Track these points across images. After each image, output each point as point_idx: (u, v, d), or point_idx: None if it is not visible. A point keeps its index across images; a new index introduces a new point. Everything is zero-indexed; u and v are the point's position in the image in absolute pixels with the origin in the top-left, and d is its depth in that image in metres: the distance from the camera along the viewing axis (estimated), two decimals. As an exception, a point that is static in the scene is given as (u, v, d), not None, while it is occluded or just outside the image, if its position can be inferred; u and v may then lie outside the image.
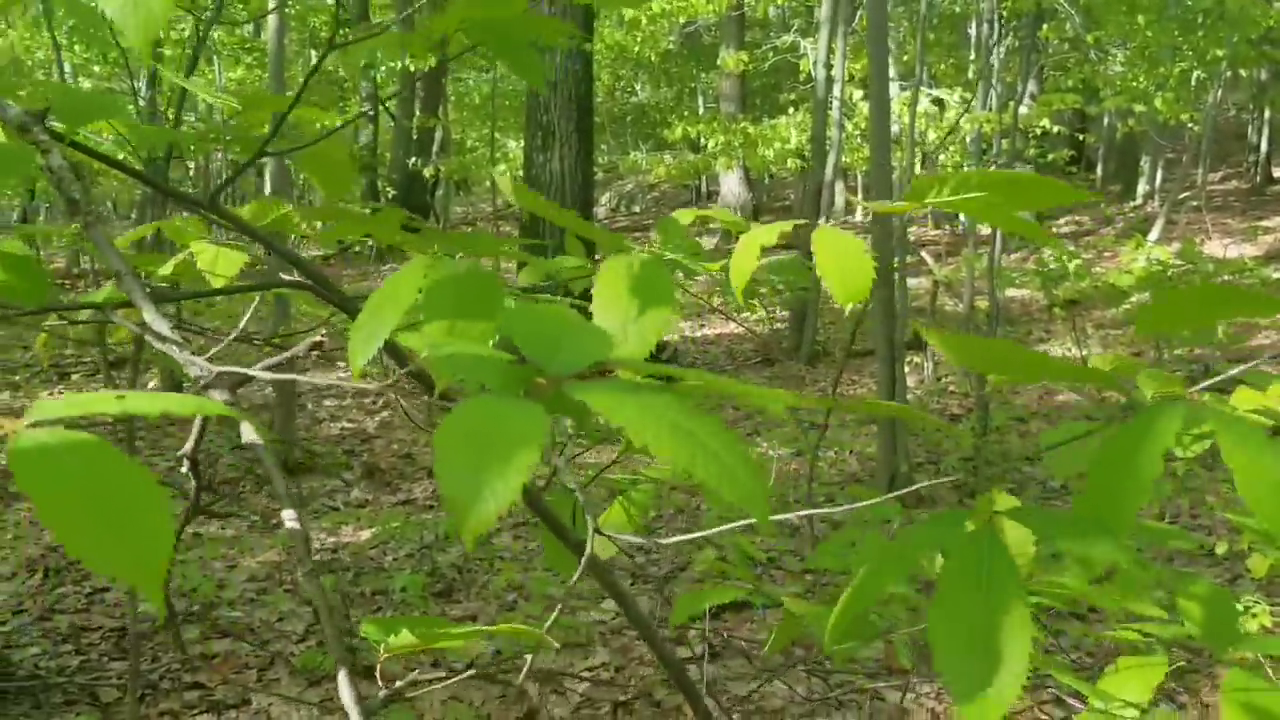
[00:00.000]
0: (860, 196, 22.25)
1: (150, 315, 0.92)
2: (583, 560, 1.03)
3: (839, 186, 21.09)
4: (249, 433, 0.90)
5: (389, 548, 5.76)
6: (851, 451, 7.62)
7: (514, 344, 0.84)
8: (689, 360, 11.12)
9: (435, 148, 19.37)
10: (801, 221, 1.15)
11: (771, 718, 3.80)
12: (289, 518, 0.90)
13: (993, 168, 7.91)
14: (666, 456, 0.66)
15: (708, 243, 19.36)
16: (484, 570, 5.42)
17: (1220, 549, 4.64)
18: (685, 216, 1.17)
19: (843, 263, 0.95)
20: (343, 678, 0.87)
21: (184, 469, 0.95)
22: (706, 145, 14.30)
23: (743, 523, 1.41)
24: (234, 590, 5.24)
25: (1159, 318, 0.96)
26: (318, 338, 0.86)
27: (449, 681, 1.06)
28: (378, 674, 0.95)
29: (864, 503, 1.26)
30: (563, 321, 0.86)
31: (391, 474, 7.23)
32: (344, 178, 1.18)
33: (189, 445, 0.94)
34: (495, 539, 5.90)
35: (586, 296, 1.03)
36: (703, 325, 12.94)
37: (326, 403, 9.51)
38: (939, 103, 12.19)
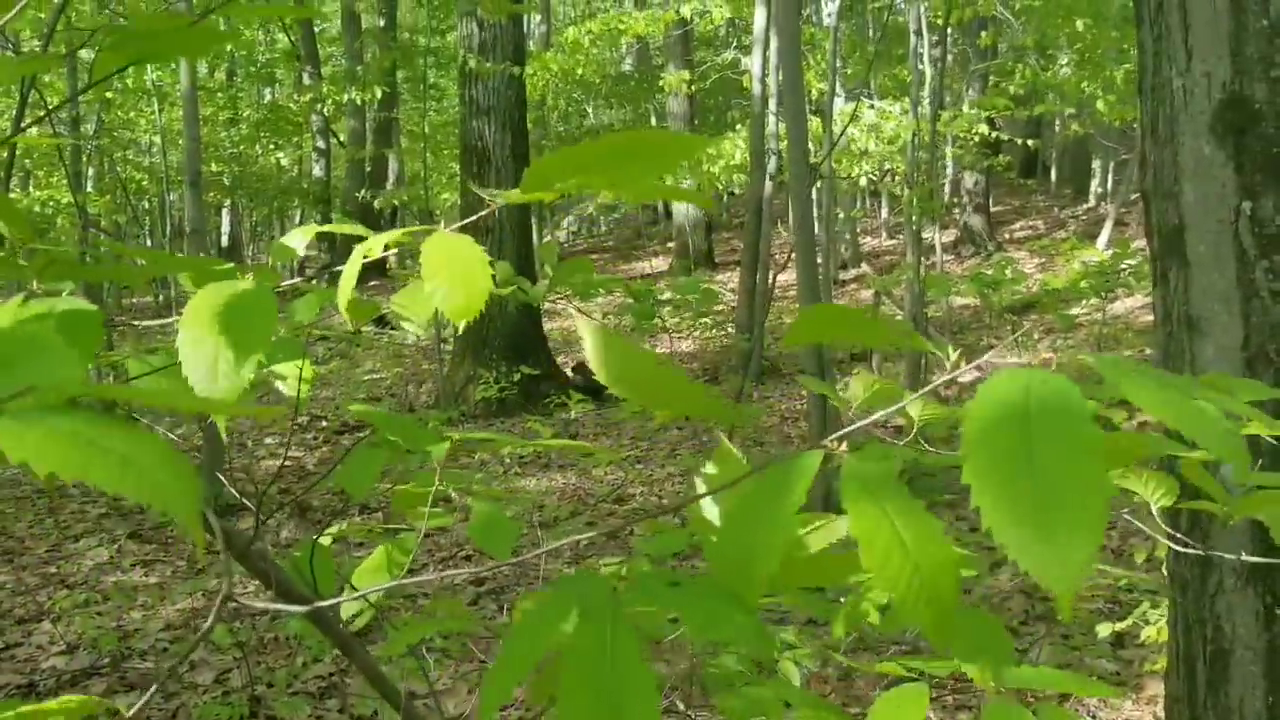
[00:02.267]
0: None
1: None
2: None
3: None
4: None
5: (310, 589, 5.62)
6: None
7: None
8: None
9: (392, 179, 19.27)
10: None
11: None
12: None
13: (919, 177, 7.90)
14: (52, 467, 0.56)
15: (660, 263, 19.30)
16: (407, 607, 5.30)
17: (1140, 557, 4.56)
18: (304, 234, 1.07)
19: (453, 273, 0.85)
20: None
21: None
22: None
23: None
24: (146, 640, 5.10)
25: (800, 332, 0.88)
26: None
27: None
28: None
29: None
30: (30, 342, 0.75)
31: (324, 511, 7.10)
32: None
33: None
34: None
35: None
36: (655, 344, 12.85)
37: (268, 440, 9.38)
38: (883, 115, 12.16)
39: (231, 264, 1.01)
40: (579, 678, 0.73)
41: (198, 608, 5.47)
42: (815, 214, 6.77)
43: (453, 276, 0.87)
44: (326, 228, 1.05)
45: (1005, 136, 11.32)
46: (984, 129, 9.99)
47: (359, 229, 0.99)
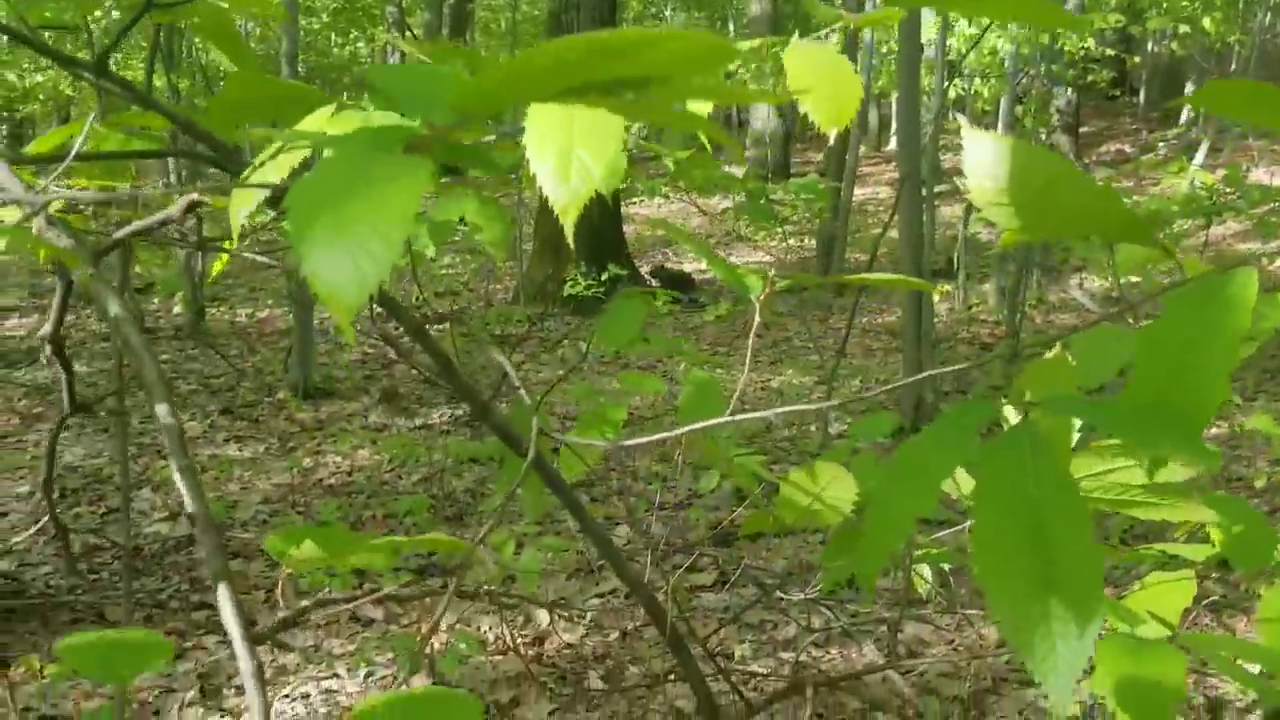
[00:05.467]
0: (894, 122, 21.78)
1: (4, 176, 0.79)
2: (524, 466, 0.90)
3: (872, 112, 20.70)
4: (115, 307, 0.77)
5: (404, 471, 5.68)
6: (877, 380, 7.46)
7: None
8: (714, 290, 10.95)
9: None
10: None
11: (784, 646, 3.70)
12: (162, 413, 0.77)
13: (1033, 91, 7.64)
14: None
15: (738, 172, 19.05)
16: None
17: (1259, 482, 4.48)
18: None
19: (823, 80, 0.79)
20: (224, 593, 0.75)
21: (45, 355, 0.83)
22: (736, 72, 13.97)
23: (757, 415, 1.27)
24: (247, 512, 5.18)
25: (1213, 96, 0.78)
26: (193, 195, 0.73)
27: (359, 602, 0.95)
28: (279, 593, 0.83)
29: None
30: (446, 77, 0.71)
31: (409, 399, 7.15)
32: (244, 53, 1.05)
33: (49, 326, 0.81)
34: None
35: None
36: (730, 254, 12.74)
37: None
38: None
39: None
40: (995, 502, 0.68)
41: (294, 483, 5.55)
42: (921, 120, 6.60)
43: (820, 84, 0.81)
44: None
45: (1105, 51, 10.96)
46: (1090, 43, 9.68)
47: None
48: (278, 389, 7.42)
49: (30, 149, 1.09)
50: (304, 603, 0.84)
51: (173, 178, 9.72)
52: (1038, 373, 1.11)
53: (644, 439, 1.01)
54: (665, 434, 1.03)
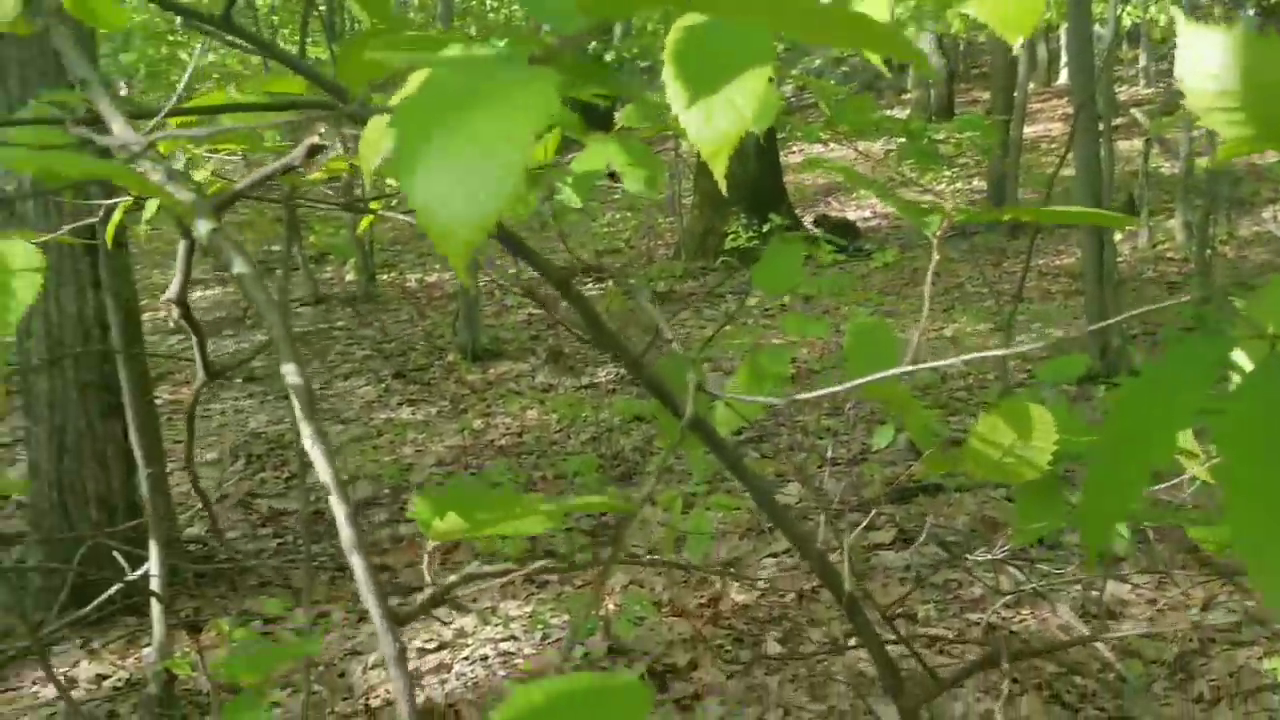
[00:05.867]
0: (1063, 54, 20.82)
1: (120, 127, 0.74)
2: (682, 422, 0.81)
3: (1040, 48, 19.81)
4: (240, 264, 0.71)
5: (572, 431, 5.69)
6: (1057, 324, 7.12)
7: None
8: (880, 238, 10.65)
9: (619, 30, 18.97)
10: None
11: (970, 608, 3.55)
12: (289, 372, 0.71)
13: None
14: None
15: (900, 114, 18.49)
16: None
17: None
18: None
19: None
20: (360, 568, 0.68)
21: (173, 317, 0.78)
22: (894, 12, 13.49)
23: (909, 369, 1.16)
24: (421, 474, 5.26)
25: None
26: (314, 140, 0.66)
27: (510, 576, 0.88)
28: (425, 565, 0.77)
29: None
30: None
31: (575, 358, 7.16)
32: (388, 14, 0.97)
33: (174, 288, 0.75)
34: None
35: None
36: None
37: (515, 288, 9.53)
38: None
39: None
40: (1251, 443, 0.56)
41: (466, 445, 5.61)
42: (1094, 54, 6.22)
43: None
44: None
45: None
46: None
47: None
48: (447, 352, 7.54)
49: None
50: (451, 577, 0.77)
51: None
52: (1269, 301, 0.96)
53: (814, 393, 0.91)
54: (836, 388, 0.93)
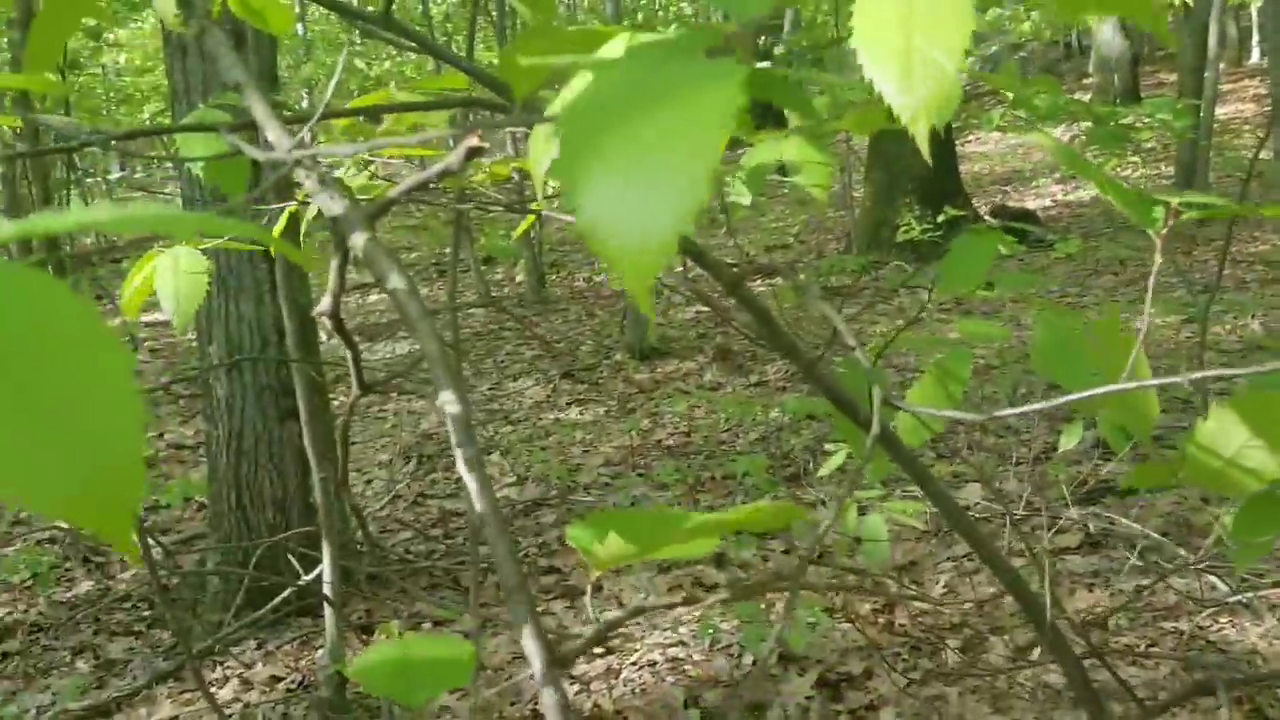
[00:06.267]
0: (1255, 35, 19.70)
1: (275, 134, 0.71)
2: (869, 439, 0.74)
3: (1230, 26, 18.75)
4: (395, 278, 0.67)
5: (741, 430, 5.61)
6: (1254, 315, 6.69)
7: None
8: (1062, 227, 10.22)
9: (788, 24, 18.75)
10: None
11: (1163, 615, 3.34)
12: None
13: None
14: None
15: (1084, 97, 17.75)
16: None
17: None
18: None
19: None
20: (522, 614, 0.63)
21: (327, 331, 0.74)
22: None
23: (1126, 386, 1.05)
24: (589, 475, 5.27)
25: None
26: (474, 141, 0.61)
27: (676, 605, 0.82)
28: (587, 596, 0.71)
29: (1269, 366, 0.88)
30: None
31: (744, 356, 7.08)
32: (551, 11, 0.93)
33: (326, 301, 0.72)
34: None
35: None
36: (1076, 187, 11.88)
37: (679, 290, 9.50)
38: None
39: None
40: None
41: (633, 445, 5.60)
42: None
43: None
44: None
45: None
46: None
47: None
48: (615, 351, 7.56)
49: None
50: (616, 613, 0.72)
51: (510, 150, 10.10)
52: None
53: (1031, 406, 0.82)
54: (1067, 397, 0.83)
